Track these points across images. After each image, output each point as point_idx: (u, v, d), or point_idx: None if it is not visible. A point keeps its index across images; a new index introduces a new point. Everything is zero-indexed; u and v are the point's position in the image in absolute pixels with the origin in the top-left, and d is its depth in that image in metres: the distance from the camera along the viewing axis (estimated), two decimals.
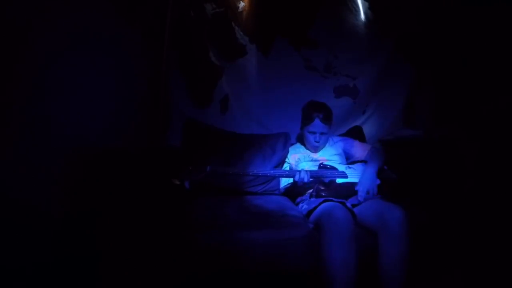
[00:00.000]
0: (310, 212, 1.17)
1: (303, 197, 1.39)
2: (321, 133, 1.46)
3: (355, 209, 1.17)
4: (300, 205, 1.33)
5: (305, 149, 1.58)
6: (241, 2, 1.94)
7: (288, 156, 1.60)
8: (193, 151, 1.64)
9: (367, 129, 1.96)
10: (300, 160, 1.53)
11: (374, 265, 1.01)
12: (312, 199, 1.29)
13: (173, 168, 1.15)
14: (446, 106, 2.00)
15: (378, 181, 1.28)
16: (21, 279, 0.82)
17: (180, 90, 1.91)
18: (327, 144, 1.57)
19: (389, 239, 1.00)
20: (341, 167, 1.36)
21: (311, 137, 1.49)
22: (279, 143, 1.69)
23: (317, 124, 1.45)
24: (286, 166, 1.59)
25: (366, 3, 2.02)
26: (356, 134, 1.81)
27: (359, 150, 1.52)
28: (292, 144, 1.69)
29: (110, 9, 1.29)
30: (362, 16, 2.02)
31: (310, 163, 1.48)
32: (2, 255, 0.76)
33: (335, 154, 1.52)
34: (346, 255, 0.96)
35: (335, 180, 1.29)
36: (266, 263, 0.98)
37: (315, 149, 1.53)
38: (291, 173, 1.37)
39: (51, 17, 0.93)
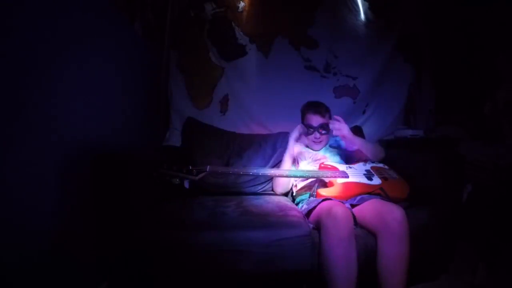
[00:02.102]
0: (310, 211, 1.18)
1: (303, 197, 1.39)
2: (319, 130, 1.49)
3: (354, 210, 1.17)
4: (300, 205, 1.33)
5: (306, 148, 1.58)
6: (241, 2, 1.94)
7: (296, 147, 1.58)
8: (193, 151, 1.64)
9: (367, 129, 1.96)
10: (301, 159, 1.52)
11: (374, 265, 1.00)
12: (312, 198, 1.28)
13: (172, 168, 1.15)
14: (446, 106, 2.00)
15: (354, 144, 1.39)
16: (20, 280, 0.82)
17: (180, 90, 1.92)
18: (327, 145, 1.57)
19: (389, 239, 1.00)
20: (342, 167, 1.35)
21: (312, 138, 1.51)
22: (279, 143, 1.70)
23: (315, 120, 1.49)
24: None
25: (366, 3, 2.02)
26: (356, 134, 1.81)
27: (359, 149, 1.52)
28: None
29: (110, 9, 1.30)
30: (362, 16, 2.02)
31: (312, 163, 1.48)
32: (2, 256, 0.76)
33: (336, 154, 1.52)
34: (347, 251, 0.96)
35: (336, 180, 1.29)
36: (266, 263, 0.97)
37: (318, 148, 1.54)
38: (291, 172, 1.38)
39: (52, 18, 0.93)
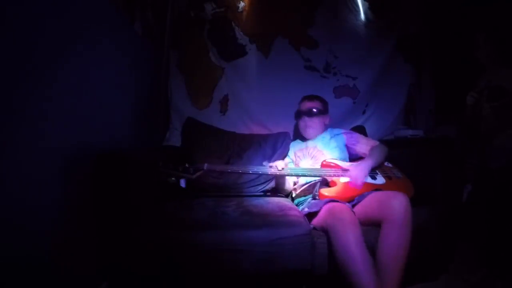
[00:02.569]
0: (311, 214, 1.16)
1: (301, 200, 1.38)
2: (307, 114, 1.53)
3: (358, 206, 1.16)
4: (300, 207, 1.33)
5: (303, 142, 1.58)
6: (241, 2, 1.94)
7: (290, 153, 1.60)
8: (193, 151, 1.64)
9: (367, 129, 1.95)
10: (301, 158, 1.51)
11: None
12: (314, 201, 1.26)
13: (168, 166, 1.11)
14: (446, 106, 2.00)
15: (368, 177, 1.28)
16: (20, 280, 0.82)
17: (180, 90, 1.92)
18: (328, 136, 1.55)
19: (392, 225, 1.00)
20: (345, 165, 1.33)
21: (301, 123, 1.56)
22: (279, 143, 1.69)
23: (303, 105, 1.57)
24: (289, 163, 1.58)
25: (366, 3, 2.02)
26: (359, 133, 1.80)
27: (363, 145, 1.49)
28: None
29: (110, 9, 1.30)
30: (362, 16, 2.02)
31: (311, 160, 1.46)
32: (2, 256, 0.76)
33: (336, 147, 1.49)
34: (357, 235, 0.97)
35: (339, 179, 1.27)
36: (266, 263, 0.97)
37: (308, 134, 1.55)
38: (293, 171, 1.36)
39: (52, 18, 0.93)
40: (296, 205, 1.39)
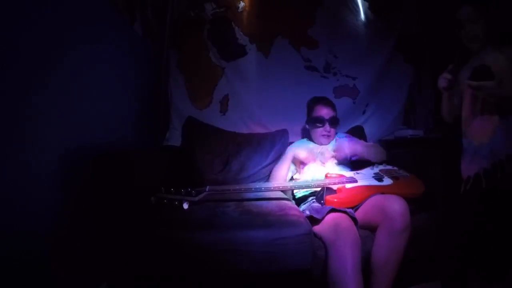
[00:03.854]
0: (312, 219, 1.14)
1: (301, 195, 1.38)
2: (330, 122, 1.49)
3: (359, 209, 1.16)
4: (302, 206, 1.32)
5: (313, 144, 1.56)
6: (241, 2, 1.94)
7: (297, 154, 1.54)
8: (193, 151, 1.64)
9: (367, 129, 1.96)
10: (310, 156, 1.49)
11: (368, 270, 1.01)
12: (316, 205, 1.24)
13: (171, 191, 1.15)
14: None
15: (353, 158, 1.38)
16: (20, 280, 0.82)
17: (180, 90, 1.92)
18: (334, 140, 1.56)
19: (385, 232, 0.99)
20: (349, 174, 1.33)
21: (321, 130, 1.50)
22: (277, 140, 1.69)
23: (326, 112, 1.51)
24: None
25: (366, 3, 2.03)
26: (357, 133, 1.81)
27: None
28: (292, 142, 1.69)
29: (110, 9, 1.30)
30: (362, 16, 2.03)
31: (320, 157, 1.47)
32: (2, 256, 0.76)
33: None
34: (355, 260, 0.94)
35: (345, 185, 1.26)
36: (265, 262, 0.97)
37: (324, 142, 1.52)
38: (296, 184, 1.35)
39: (52, 19, 0.93)
40: (298, 199, 1.39)
